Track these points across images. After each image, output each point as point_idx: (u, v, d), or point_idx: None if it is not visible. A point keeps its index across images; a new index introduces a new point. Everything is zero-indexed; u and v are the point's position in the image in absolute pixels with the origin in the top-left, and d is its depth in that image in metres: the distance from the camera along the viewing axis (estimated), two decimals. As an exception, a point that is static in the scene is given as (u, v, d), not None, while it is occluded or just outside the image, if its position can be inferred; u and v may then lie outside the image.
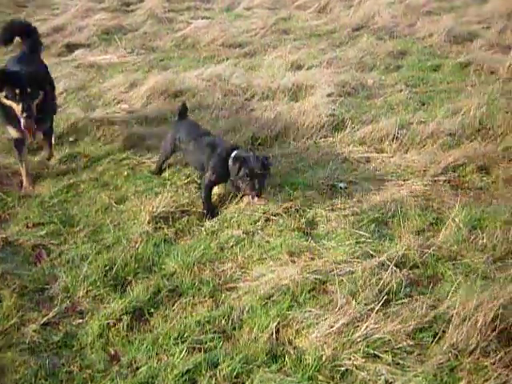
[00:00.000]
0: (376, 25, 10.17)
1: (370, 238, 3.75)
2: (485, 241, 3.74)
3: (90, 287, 3.39)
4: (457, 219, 3.93)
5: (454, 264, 3.52)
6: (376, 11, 11.14)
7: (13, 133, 4.55)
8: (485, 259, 3.55)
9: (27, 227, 4.08)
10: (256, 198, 4.04)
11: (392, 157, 4.97)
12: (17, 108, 4.27)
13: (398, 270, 3.31)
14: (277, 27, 10.09)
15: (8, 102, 4.31)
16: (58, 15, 10.07)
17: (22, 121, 4.27)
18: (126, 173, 4.81)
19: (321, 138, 5.31)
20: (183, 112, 4.71)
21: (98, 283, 3.42)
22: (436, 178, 4.61)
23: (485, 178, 4.71)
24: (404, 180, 4.59)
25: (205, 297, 3.32)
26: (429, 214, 4.11)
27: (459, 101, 6.44)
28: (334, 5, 12.19)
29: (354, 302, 3.11)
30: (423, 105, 6.37)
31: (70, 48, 8.38)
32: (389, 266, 3.32)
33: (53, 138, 5.10)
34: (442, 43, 9.25)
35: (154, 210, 4.09)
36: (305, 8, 12.18)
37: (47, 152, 5.05)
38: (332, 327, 2.89)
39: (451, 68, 7.81)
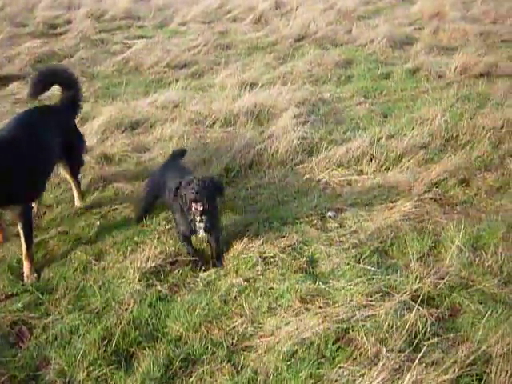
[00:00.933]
0: (316, 34, 10.16)
1: (377, 273, 3.59)
2: (490, 262, 3.68)
3: (91, 367, 3.01)
4: (455, 240, 3.86)
5: (468, 292, 3.42)
6: (311, 19, 11.17)
7: None
8: (496, 283, 3.49)
9: (-1, 300, 3.63)
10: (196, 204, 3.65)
11: (373, 178, 4.87)
12: None
13: (420, 308, 3.16)
14: (217, 42, 9.88)
15: None
16: (-19, 45, 9.35)
17: None
18: (98, 222, 4.42)
19: (296, 165, 5.13)
20: (178, 155, 4.39)
21: (99, 361, 3.04)
22: (422, 197, 4.55)
23: (467, 192, 4.71)
24: (392, 202, 4.48)
25: (221, 362, 3.02)
26: (426, 237, 4.01)
27: (418, 109, 6.51)
28: (268, 15, 12.18)
29: (384, 350, 2.93)
30: (385, 117, 6.36)
31: (3, 81, 7.77)
32: (411, 304, 3.18)
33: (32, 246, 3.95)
34: (384, 49, 9.39)
35: (143, 265, 3.75)
36: (240, 20, 12.07)
37: (26, 267, 3.87)
38: (372, 384, 2.70)
39: (401, 75, 7.91)
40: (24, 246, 3.87)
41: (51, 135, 4.17)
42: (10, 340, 3.29)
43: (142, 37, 10.55)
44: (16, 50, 8.86)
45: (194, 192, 3.62)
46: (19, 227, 3.87)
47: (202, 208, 3.67)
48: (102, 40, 10.07)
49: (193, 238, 4.02)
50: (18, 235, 4.06)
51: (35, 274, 3.85)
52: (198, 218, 3.76)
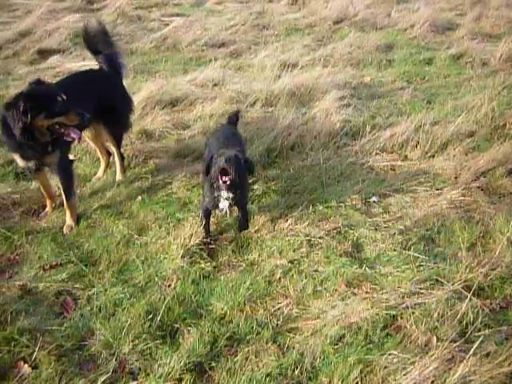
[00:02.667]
0: (355, 17, 9.95)
1: (425, 261, 3.51)
2: (542, 255, 3.57)
3: (136, 340, 3.01)
4: (505, 232, 3.75)
5: (520, 284, 3.33)
6: (349, 2, 10.94)
7: (20, 162, 4.00)
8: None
9: (44, 270, 3.64)
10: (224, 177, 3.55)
11: (418, 164, 4.76)
12: None
13: (474, 298, 3.08)
14: (255, 22, 9.76)
15: None
16: (21, 18, 9.38)
17: None
18: (139, 197, 4.41)
19: (339, 148, 5.04)
20: (233, 120, 4.38)
21: (144, 335, 3.04)
22: (469, 186, 4.43)
23: (516, 182, 4.56)
24: (437, 189, 4.39)
25: (267, 342, 2.99)
26: (474, 226, 3.91)
27: (463, 96, 6.34)
28: (306, -4, 11.95)
29: (435, 339, 2.87)
30: (429, 103, 6.21)
31: (43, 54, 7.80)
32: (463, 294, 3.11)
33: (74, 196, 4.18)
34: (425, 34, 9.15)
35: (186, 242, 3.72)
36: (276, 0, 11.89)
37: (67, 216, 4.12)
38: (423, 373, 2.64)
39: (444, 61, 7.71)
40: (64, 197, 4.08)
41: (84, 96, 4.20)
42: (55, 310, 3.31)
43: (179, 14, 10.47)
44: (55, 24, 8.88)
45: (222, 164, 3.52)
46: (58, 181, 4.09)
47: (229, 181, 3.56)
48: (139, 17, 10.02)
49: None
50: (63, 204, 4.15)
51: (73, 224, 4.04)
52: (223, 194, 3.67)
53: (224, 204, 3.75)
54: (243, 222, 3.95)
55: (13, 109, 3.58)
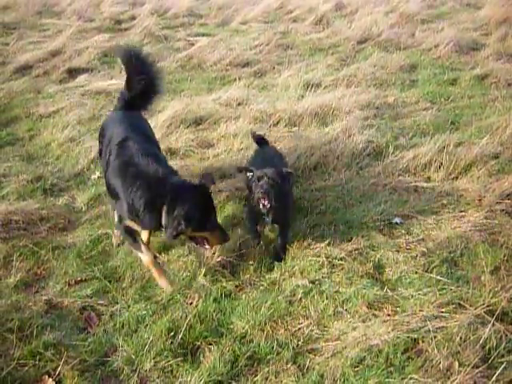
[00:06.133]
0: (379, 37, 9.98)
1: (448, 284, 3.49)
2: None
3: (157, 358, 3.05)
4: (530, 255, 3.71)
5: (545, 309, 3.28)
6: (373, 22, 10.99)
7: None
8: None
9: (69, 285, 3.73)
10: (263, 200, 3.62)
11: (441, 185, 4.73)
12: None
13: (496, 323, 3.05)
14: (279, 42, 9.87)
15: None
16: (52, 37, 9.65)
17: None
18: (163, 215, 4.47)
19: (362, 169, 5.05)
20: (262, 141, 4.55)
21: (165, 352, 3.08)
22: (493, 208, 4.39)
23: (542, 205, 4.50)
24: (461, 211, 4.35)
25: (287, 363, 3.01)
26: (498, 250, 3.87)
27: (487, 117, 6.29)
28: (329, 16, 12.06)
29: (456, 364, 2.84)
30: (453, 124, 6.18)
31: (72, 73, 8.00)
32: (486, 319, 3.07)
33: None
34: (450, 54, 9.12)
35: (208, 260, 3.77)
36: (300, 20, 12.01)
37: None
38: (444, 398, 2.62)
39: (468, 81, 7.67)
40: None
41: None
42: (79, 325, 3.38)
43: (204, 34, 10.65)
44: (84, 43, 9.11)
45: (261, 190, 3.61)
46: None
47: (268, 205, 3.63)
48: (166, 36, 10.21)
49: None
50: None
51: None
52: (265, 212, 3.77)
53: (267, 218, 3.87)
54: (279, 250, 3.93)
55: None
